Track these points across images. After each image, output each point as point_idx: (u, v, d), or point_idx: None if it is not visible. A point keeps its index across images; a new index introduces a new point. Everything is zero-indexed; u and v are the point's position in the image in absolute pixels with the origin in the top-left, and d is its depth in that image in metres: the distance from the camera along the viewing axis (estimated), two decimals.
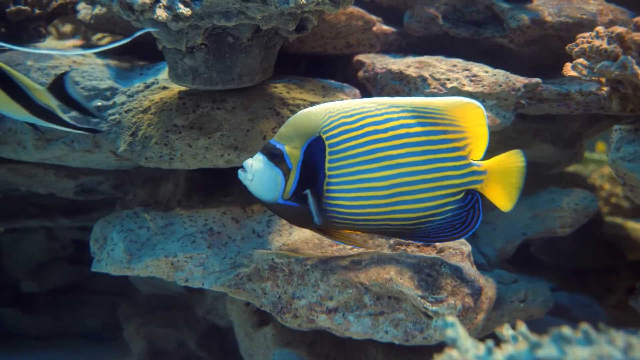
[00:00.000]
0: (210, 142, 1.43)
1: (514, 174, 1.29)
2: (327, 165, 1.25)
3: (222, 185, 1.73)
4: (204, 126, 1.45)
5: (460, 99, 1.26)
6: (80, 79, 1.59)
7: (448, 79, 1.60)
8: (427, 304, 1.24)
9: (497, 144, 1.82)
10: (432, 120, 1.25)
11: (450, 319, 0.89)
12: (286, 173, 1.26)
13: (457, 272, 1.30)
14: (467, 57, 1.73)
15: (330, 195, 1.26)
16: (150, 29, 1.37)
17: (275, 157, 1.26)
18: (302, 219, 1.30)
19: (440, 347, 1.37)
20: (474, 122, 1.26)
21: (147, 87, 1.60)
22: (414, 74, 1.65)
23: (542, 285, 1.78)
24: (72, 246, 2.47)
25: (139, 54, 1.83)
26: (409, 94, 1.67)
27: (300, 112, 1.28)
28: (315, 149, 1.25)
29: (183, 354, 2.18)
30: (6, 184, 1.96)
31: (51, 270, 2.46)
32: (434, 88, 1.61)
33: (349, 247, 1.37)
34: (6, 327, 2.41)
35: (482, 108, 1.26)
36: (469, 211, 1.29)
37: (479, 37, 1.78)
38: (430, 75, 1.63)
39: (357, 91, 1.73)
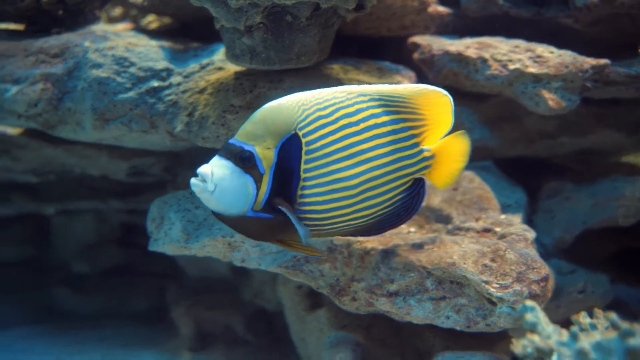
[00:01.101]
0: None
1: (459, 156, 1.26)
2: (302, 166, 1.11)
3: None
4: (260, 106, 1.43)
5: (426, 87, 1.20)
6: (137, 59, 1.60)
7: (510, 60, 1.55)
8: (492, 289, 1.21)
9: (557, 129, 1.76)
10: (396, 109, 1.17)
11: (530, 302, 0.86)
12: (258, 179, 1.09)
13: (522, 258, 1.26)
14: (528, 39, 1.66)
15: (304, 201, 1.12)
16: (210, 7, 1.36)
17: (244, 161, 1.09)
18: (271, 232, 1.15)
19: (501, 335, 1.34)
20: (437, 110, 1.21)
21: (203, 67, 1.59)
22: (473, 55, 1.59)
23: (602, 276, 1.71)
24: (120, 229, 2.52)
25: (190, 36, 1.83)
26: (467, 76, 1.62)
27: (269, 105, 1.13)
28: (290, 149, 1.11)
29: (230, 336, 2.19)
30: (61, 165, 2.00)
31: (101, 252, 2.51)
32: (495, 70, 1.56)
33: (305, 255, 1.27)
34: (58, 307, 2.47)
35: (449, 97, 1.21)
36: (414, 197, 1.24)
37: (541, 17, 1.71)
38: (491, 56, 1.57)
39: (412, 73, 1.69)
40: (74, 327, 2.40)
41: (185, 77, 1.58)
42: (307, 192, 1.12)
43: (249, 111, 1.43)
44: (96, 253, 2.51)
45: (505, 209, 1.56)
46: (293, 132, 1.11)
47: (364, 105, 1.15)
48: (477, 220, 1.46)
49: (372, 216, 1.18)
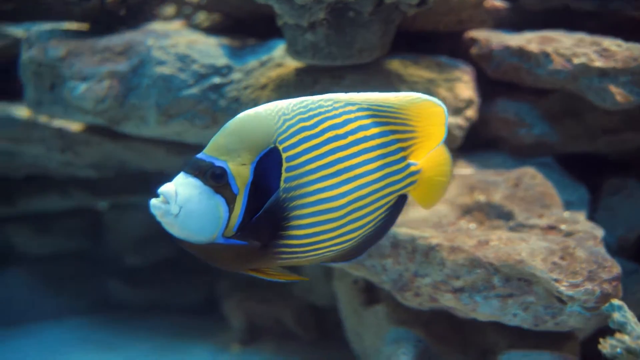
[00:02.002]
0: None
1: (443, 171, 1.15)
2: (282, 185, 0.96)
3: None
4: None
5: (419, 96, 1.08)
6: (198, 57, 1.63)
7: (574, 54, 1.52)
8: (562, 288, 1.19)
9: (620, 124, 1.71)
10: (386, 120, 1.06)
11: (617, 301, 0.84)
12: (231, 200, 0.94)
13: (592, 257, 1.24)
14: (590, 33, 1.63)
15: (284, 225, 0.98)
16: (274, 4, 1.38)
17: (215, 179, 0.93)
18: (245, 261, 0.99)
19: (566, 335, 1.31)
20: (429, 122, 1.09)
21: (262, 64, 1.61)
22: (535, 50, 1.57)
23: None
24: None
25: (243, 33, 1.85)
26: (529, 71, 1.59)
27: (244, 114, 0.98)
28: (268, 165, 0.96)
29: (280, 330, 2.22)
30: (120, 161, 2.05)
31: (153, 246, 2.57)
32: (558, 64, 1.53)
33: (284, 281, 1.09)
34: (112, 298, 2.55)
35: (443, 107, 1.09)
36: (393, 213, 1.10)
37: (605, 9, 1.66)
38: (553, 50, 1.54)
39: (471, 68, 1.67)
40: (127, 318, 2.47)
41: (246, 73, 1.60)
42: (287, 213, 0.96)
43: None
44: (148, 246, 2.58)
45: (568, 206, 1.53)
46: (272, 145, 0.96)
47: (352, 116, 1.02)
48: (540, 217, 1.44)
49: (356, 239, 1.05)
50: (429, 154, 1.12)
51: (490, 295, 1.24)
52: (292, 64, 1.57)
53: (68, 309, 2.49)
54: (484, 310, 1.25)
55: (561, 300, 1.21)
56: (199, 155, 0.95)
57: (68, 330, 2.41)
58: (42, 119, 1.85)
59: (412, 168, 1.11)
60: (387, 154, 1.06)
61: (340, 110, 1.02)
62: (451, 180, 1.17)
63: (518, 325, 1.25)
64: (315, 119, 1.00)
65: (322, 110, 1.01)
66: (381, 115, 1.06)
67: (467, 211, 1.50)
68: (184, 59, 1.60)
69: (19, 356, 2.21)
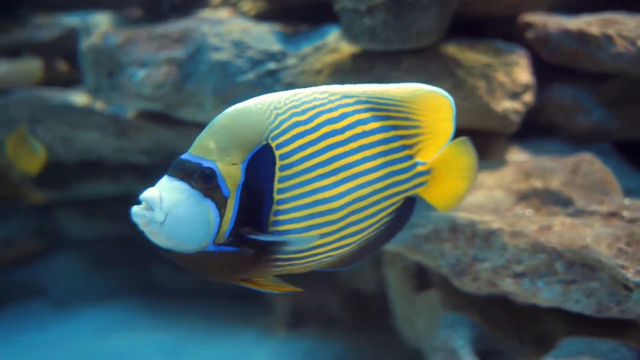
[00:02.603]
0: None
1: (462, 171, 1.02)
2: (276, 185, 0.88)
3: None
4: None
5: (422, 87, 0.97)
6: (253, 43, 1.64)
7: (639, 37, 1.48)
8: (629, 275, 1.17)
9: None
10: (386, 114, 0.95)
11: None
12: (221, 204, 0.85)
13: None
14: None
15: (278, 229, 0.89)
16: None
17: (204, 181, 0.85)
18: (237, 270, 0.90)
19: (627, 323, 1.29)
20: (435, 116, 0.98)
21: (317, 49, 1.62)
22: (596, 33, 1.53)
23: None
24: None
25: (292, 19, 1.86)
26: (589, 56, 1.56)
27: (233, 109, 0.89)
28: (260, 163, 0.88)
29: (325, 315, 2.24)
30: (171, 147, 2.09)
31: None
32: (621, 47, 1.49)
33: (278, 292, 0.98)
34: (157, 282, 2.61)
35: (450, 99, 0.98)
36: (400, 218, 0.99)
37: None
38: (616, 33, 1.51)
39: (526, 52, 1.64)
40: (172, 301, 2.52)
41: (300, 59, 1.61)
42: (281, 217, 0.88)
43: None
44: None
45: (627, 193, 1.50)
46: (264, 142, 0.88)
47: (349, 109, 0.93)
48: (601, 204, 1.41)
49: (356, 242, 0.96)
50: (441, 151, 1.00)
51: (553, 281, 1.23)
52: (347, 49, 1.57)
53: (116, 292, 2.56)
54: (546, 295, 1.24)
55: (627, 287, 1.19)
56: (184, 156, 0.86)
57: (115, 312, 2.48)
58: (99, 105, 1.90)
59: (420, 168, 1.00)
60: (388, 151, 0.96)
61: (337, 103, 0.93)
62: (474, 180, 1.02)
63: (580, 312, 1.23)
64: (310, 113, 0.90)
65: (317, 103, 0.91)
66: (381, 109, 0.95)
67: (523, 197, 1.49)
68: (239, 45, 1.62)
69: (68, 337, 2.29)
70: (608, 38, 1.52)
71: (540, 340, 1.41)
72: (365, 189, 0.93)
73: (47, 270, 2.62)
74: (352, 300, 2.21)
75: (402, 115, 0.97)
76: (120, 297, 2.56)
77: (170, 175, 0.85)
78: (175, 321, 2.40)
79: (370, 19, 1.41)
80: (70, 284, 2.60)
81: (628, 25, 1.51)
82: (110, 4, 1.84)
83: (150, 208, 0.83)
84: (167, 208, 0.83)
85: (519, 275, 1.26)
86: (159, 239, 0.84)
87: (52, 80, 1.99)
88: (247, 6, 2.24)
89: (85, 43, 1.76)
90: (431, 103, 0.99)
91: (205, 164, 0.85)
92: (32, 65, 1.98)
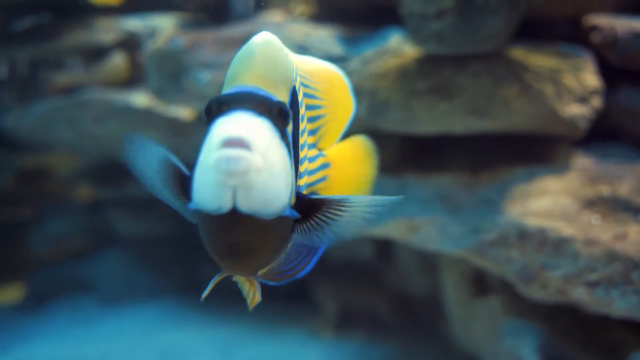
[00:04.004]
0: (452, 107, 1.41)
1: (358, 167, 0.86)
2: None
3: (431, 158, 1.71)
4: (445, 91, 1.44)
5: (326, 66, 0.82)
6: (315, 46, 1.66)
7: None
8: None
9: None
10: (307, 91, 0.79)
11: None
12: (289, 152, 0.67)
13: None
14: None
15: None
16: None
17: (284, 119, 0.66)
18: (281, 247, 0.72)
19: None
20: (335, 97, 0.82)
21: (379, 53, 1.62)
22: None
23: None
24: None
25: (347, 23, 1.86)
26: None
27: (267, 39, 0.70)
28: (293, 108, 0.71)
29: (373, 318, 2.23)
30: None
31: None
32: None
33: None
34: (203, 279, 2.63)
35: (348, 82, 0.83)
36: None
37: None
38: None
39: (592, 56, 1.61)
40: (219, 300, 2.55)
41: (363, 63, 1.61)
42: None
43: (432, 95, 1.44)
44: None
45: None
46: (294, 83, 0.71)
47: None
48: None
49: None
50: (339, 142, 0.83)
51: (629, 291, 1.21)
52: (410, 53, 1.57)
53: (164, 289, 2.61)
54: (620, 306, 1.21)
55: None
56: (251, 89, 0.65)
57: (164, 309, 2.52)
58: (159, 107, 1.94)
59: (322, 160, 0.82)
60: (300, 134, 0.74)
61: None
62: (372, 180, 0.86)
63: None
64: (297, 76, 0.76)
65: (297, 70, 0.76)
66: (306, 87, 0.79)
67: (590, 203, 1.46)
68: (303, 48, 1.63)
69: (120, 332, 2.34)
70: None
71: (609, 352, 1.38)
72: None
73: (96, 267, 2.68)
74: (401, 303, 2.20)
75: (309, 91, 0.80)
76: (168, 295, 2.60)
77: (247, 109, 0.63)
78: (224, 320, 2.42)
79: (439, 22, 1.41)
80: (119, 281, 2.65)
81: None
82: (174, 7, 1.88)
83: (247, 148, 0.61)
84: (263, 150, 0.62)
85: (592, 284, 1.23)
86: (250, 196, 0.61)
87: (134, 78, 2.04)
88: (300, 9, 2.26)
89: (151, 46, 1.80)
90: (332, 82, 0.83)
91: (275, 98, 0.66)
92: (119, 64, 2.03)
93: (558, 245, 1.28)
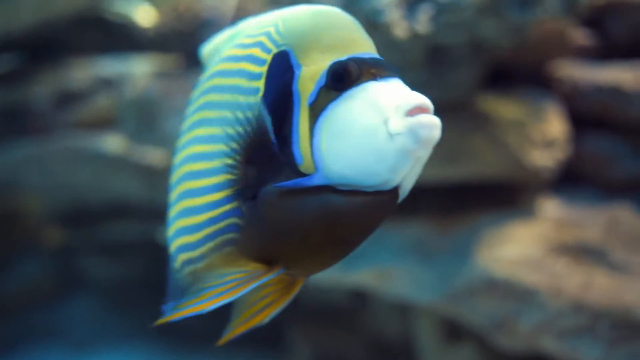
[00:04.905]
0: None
1: None
2: None
3: (403, 205, 1.71)
4: None
5: None
6: None
7: None
8: None
9: None
10: None
11: None
12: None
13: None
14: None
15: None
16: None
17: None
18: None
19: None
20: None
21: None
22: (627, 88, 1.55)
23: None
24: None
25: None
26: (620, 110, 1.57)
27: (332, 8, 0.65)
28: None
29: None
30: None
31: None
32: None
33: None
34: (174, 325, 2.59)
35: None
36: None
37: None
38: None
39: (558, 103, 1.66)
40: (190, 344, 2.50)
41: None
42: None
43: None
44: None
45: None
46: None
47: None
48: (637, 256, 1.40)
49: None
50: None
51: (595, 340, 1.22)
52: None
53: (135, 334, 2.55)
54: (588, 355, 1.22)
55: None
56: (378, 57, 0.62)
57: (134, 354, 2.46)
58: (132, 153, 1.94)
59: None
60: None
61: None
62: None
63: None
64: None
65: None
66: None
67: (557, 249, 1.48)
68: None
69: None
70: (639, 92, 1.53)
71: None
72: None
73: (67, 312, 2.62)
74: (376, 348, 2.18)
75: None
76: (140, 339, 2.55)
77: (399, 78, 0.60)
78: None
79: (408, 74, 1.44)
80: (91, 326, 2.60)
81: None
82: (152, 48, 1.90)
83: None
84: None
85: (559, 334, 1.24)
86: (416, 172, 0.59)
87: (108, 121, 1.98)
88: None
89: (126, 91, 1.81)
90: None
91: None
92: (103, 105, 2.00)
93: (525, 295, 1.29)
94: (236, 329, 0.68)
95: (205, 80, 0.69)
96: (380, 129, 0.55)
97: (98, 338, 2.54)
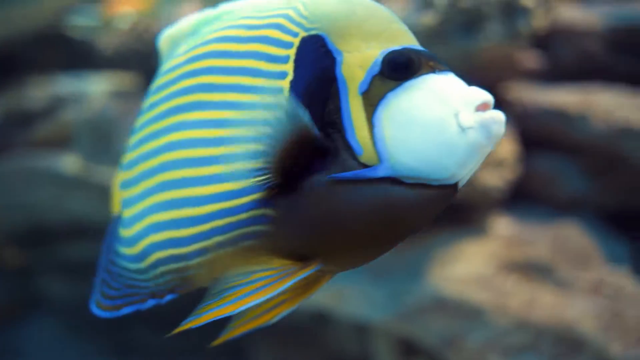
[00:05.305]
0: None
1: None
2: None
3: None
4: None
5: None
6: None
7: (614, 115, 1.55)
8: (614, 350, 1.19)
9: None
10: None
11: None
12: None
13: None
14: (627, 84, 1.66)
15: None
16: None
17: None
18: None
19: None
20: None
21: None
22: (572, 111, 1.61)
23: None
24: None
25: None
26: (565, 132, 1.63)
27: None
28: None
29: None
30: None
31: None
32: (597, 125, 1.56)
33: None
34: (137, 342, 2.55)
35: None
36: None
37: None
38: (592, 111, 1.58)
39: (511, 121, 1.70)
40: None
41: None
42: None
43: None
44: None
45: (610, 261, 1.53)
46: None
47: None
48: (583, 273, 1.45)
49: None
50: None
51: (539, 357, 1.24)
52: None
53: (95, 355, 2.50)
54: None
55: None
56: (419, 47, 0.61)
57: None
58: (89, 173, 1.92)
59: None
60: None
61: None
62: None
63: None
64: None
65: None
66: None
67: (506, 267, 1.51)
68: None
69: None
70: (584, 117, 1.59)
71: None
72: None
73: (25, 334, 2.56)
74: None
75: None
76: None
77: (452, 72, 0.60)
78: None
79: None
80: (50, 347, 2.54)
81: (604, 101, 1.59)
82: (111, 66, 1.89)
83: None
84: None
85: (505, 352, 1.27)
86: (478, 167, 0.58)
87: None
88: None
89: (82, 111, 1.80)
90: None
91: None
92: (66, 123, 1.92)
93: (472, 313, 1.32)
94: (237, 328, 0.61)
95: (187, 63, 0.64)
96: (451, 122, 0.54)
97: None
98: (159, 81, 0.68)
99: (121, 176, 0.71)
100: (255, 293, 0.55)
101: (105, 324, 2.64)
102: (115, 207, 0.73)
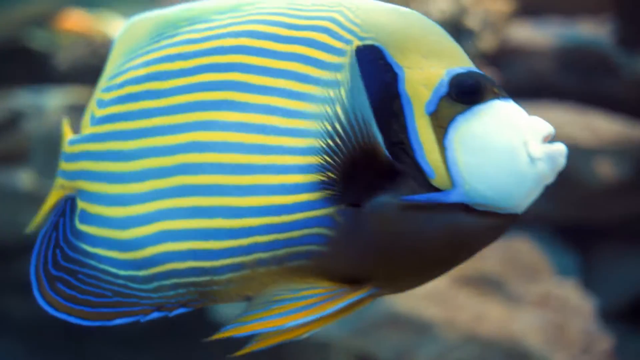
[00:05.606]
0: None
1: None
2: None
3: None
4: None
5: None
6: None
7: (561, 133, 1.60)
8: None
9: (612, 192, 1.77)
10: None
11: None
12: None
13: (585, 330, 1.27)
14: (576, 101, 1.71)
15: None
16: None
17: None
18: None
19: None
20: None
21: None
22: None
23: None
24: None
25: None
26: None
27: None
28: None
29: None
30: None
31: None
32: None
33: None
34: None
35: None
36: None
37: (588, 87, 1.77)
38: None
39: None
40: None
41: None
42: None
43: None
44: None
45: (559, 274, 1.57)
46: None
47: None
48: (532, 286, 1.48)
49: None
50: None
51: None
52: None
53: None
54: None
55: None
56: (476, 69, 0.58)
57: None
58: (45, 189, 1.89)
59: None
60: None
61: None
62: None
63: None
64: None
65: None
66: None
67: (459, 281, 1.54)
68: None
69: None
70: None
71: None
72: None
73: None
74: None
75: None
76: None
77: (507, 98, 0.56)
78: None
79: None
80: None
81: (552, 118, 1.63)
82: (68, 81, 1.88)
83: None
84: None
85: None
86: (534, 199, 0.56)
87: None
88: None
89: (38, 126, 1.78)
90: None
91: None
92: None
93: (422, 328, 1.34)
94: (268, 339, 0.55)
95: (209, 54, 0.57)
96: (522, 152, 0.52)
97: None
98: (163, 51, 0.60)
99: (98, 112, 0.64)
100: (305, 310, 0.52)
101: (69, 342, 2.60)
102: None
